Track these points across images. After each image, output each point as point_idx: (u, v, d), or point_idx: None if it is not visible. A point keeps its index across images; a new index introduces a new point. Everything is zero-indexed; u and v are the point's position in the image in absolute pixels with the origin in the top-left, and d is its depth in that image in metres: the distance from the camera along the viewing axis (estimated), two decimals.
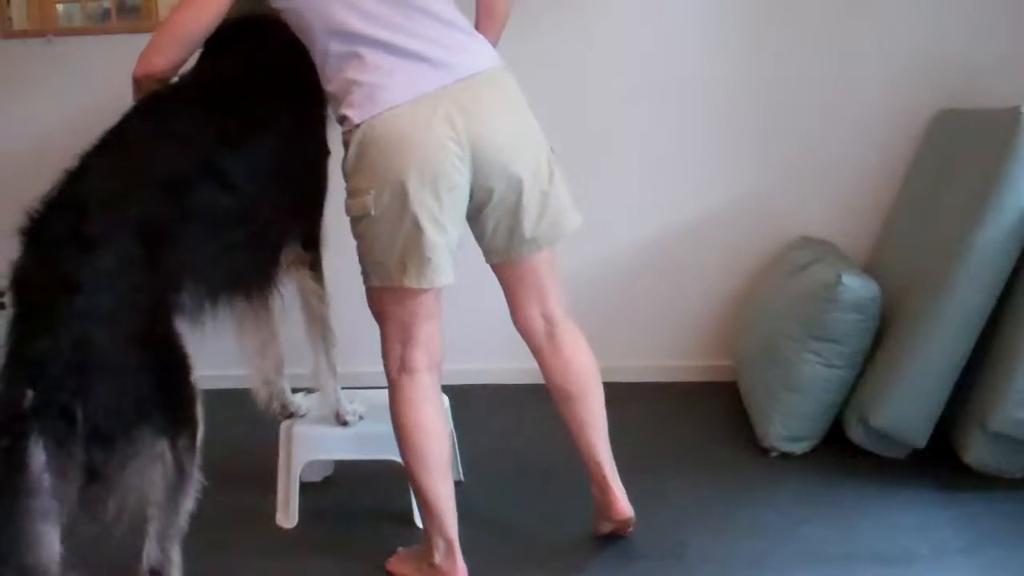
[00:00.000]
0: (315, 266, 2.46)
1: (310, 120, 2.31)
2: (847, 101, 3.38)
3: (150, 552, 1.91)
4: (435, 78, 2.05)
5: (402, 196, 2.02)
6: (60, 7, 3.52)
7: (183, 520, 1.94)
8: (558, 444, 3.08)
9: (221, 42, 2.21)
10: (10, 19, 3.40)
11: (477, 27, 2.22)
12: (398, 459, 2.47)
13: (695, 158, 3.48)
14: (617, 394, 3.55)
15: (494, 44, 2.23)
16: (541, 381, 3.67)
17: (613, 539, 2.42)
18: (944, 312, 2.60)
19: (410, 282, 2.07)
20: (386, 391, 2.26)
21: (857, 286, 2.76)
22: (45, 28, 3.48)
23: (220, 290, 2.12)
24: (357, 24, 2.03)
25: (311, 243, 2.43)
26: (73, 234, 1.83)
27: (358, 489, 2.73)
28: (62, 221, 1.86)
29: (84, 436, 1.77)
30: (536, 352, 2.39)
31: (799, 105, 3.41)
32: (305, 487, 2.56)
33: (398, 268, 2.07)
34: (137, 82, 2.18)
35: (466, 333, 3.63)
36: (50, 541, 1.75)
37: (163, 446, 1.87)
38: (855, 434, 2.81)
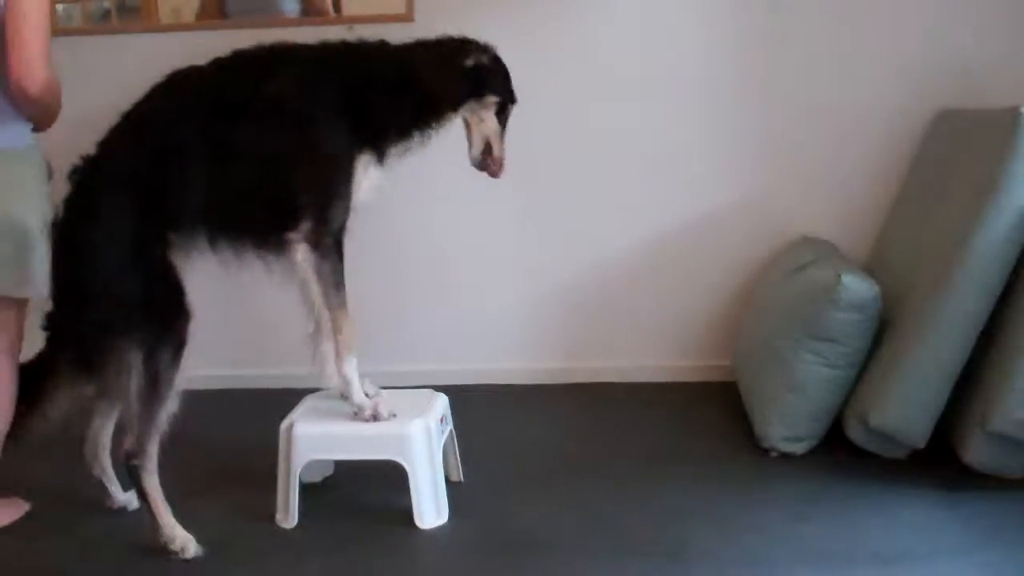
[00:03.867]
0: (316, 245, 2.49)
1: (332, 115, 2.49)
2: (847, 101, 3.38)
3: (129, 442, 2.36)
4: None
5: None
6: (60, 7, 3.52)
7: (160, 421, 2.35)
8: (558, 444, 3.09)
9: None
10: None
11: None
12: (398, 459, 2.47)
13: (695, 158, 3.48)
14: (617, 394, 3.58)
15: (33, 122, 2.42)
16: (541, 381, 3.70)
17: (613, 539, 2.41)
18: (944, 312, 2.60)
19: None
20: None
21: (857, 286, 2.76)
22: None
23: (218, 233, 2.45)
24: None
25: (319, 224, 2.50)
26: (84, 185, 2.42)
27: (358, 489, 2.73)
28: (81, 173, 2.43)
29: (68, 342, 2.40)
30: None
31: (799, 105, 3.41)
32: (305, 487, 2.56)
33: None
34: (37, 100, 2.33)
35: (466, 333, 3.64)
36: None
37: (137, 358, 2.30)
38: (855, 434, 2.81)
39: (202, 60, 2.50)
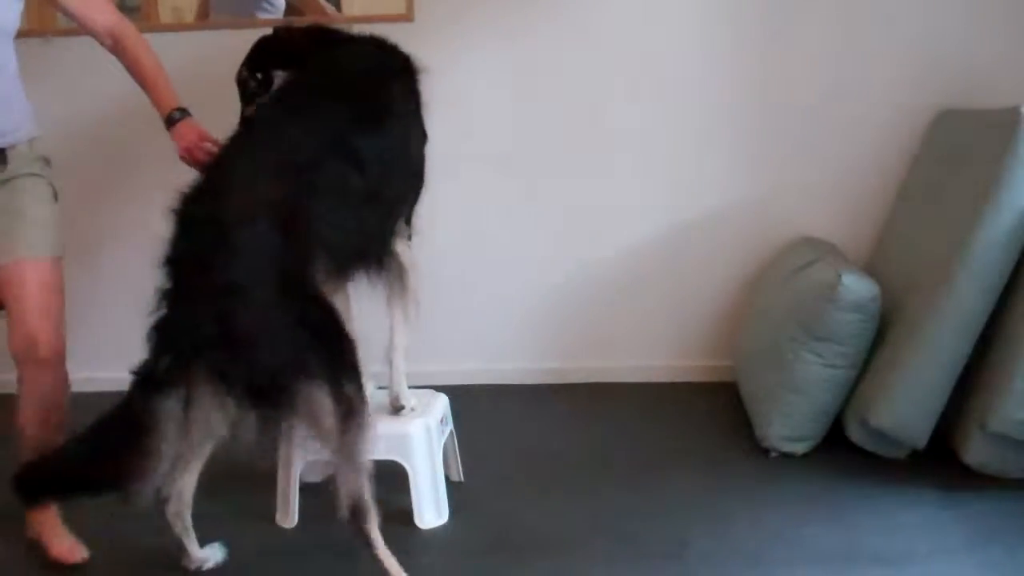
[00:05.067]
0: (410, 239, 2.57)
1: (416, 107, 2.49)
2: (847, 101, 3.38)
3: (343, 496, 2.10)
4: None
5: None
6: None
7: (366, 458, 2.09)
8: (558, 444, 3.09)
9: (302, 50, 2.47)
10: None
11: None
12: (398, 459, 2.47)
13: (695, 158, 3.48)
14: (617, 394, 3.58)
15: None
16: (541, 381, 3.69)
17: (613, 539, 2.41)
18: (944, 312, 2.60)
19: None
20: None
21: (857, 286, 2.76)
22: (44, 28, 3.48)
23: (348, 261, 2.29)
24: None
25: (411, 218, 2.57)
26: (211, 217, 2.03)
27: None
28: (202, 205, 2.08)
29: (240, 394, 2.00)
30: None
31: (799, 105, 3.41)
32: (305, 487, 2.56)
33: None
34: None
35: (466, 333, 3.64)
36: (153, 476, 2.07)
37: (324, 394, 2.01)
38: (855, 434, 2.81)
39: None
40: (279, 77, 2.50)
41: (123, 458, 2.02)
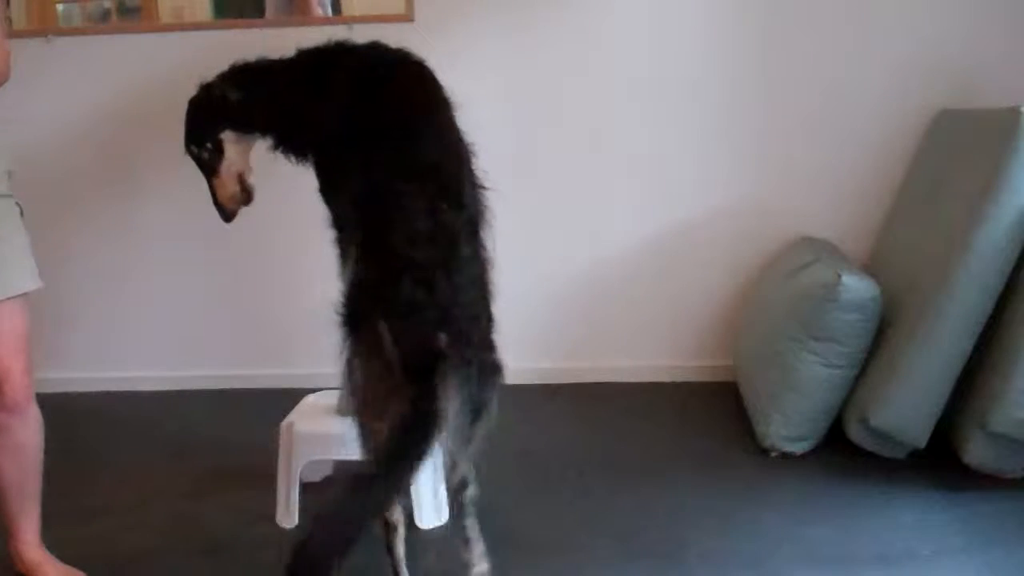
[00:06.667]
0: None
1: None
2: (847, 101, 3.38)
3: (459, 471, 2.21)
4: None
5: None
6: (60, 7, 3.52)
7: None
8: (558, 444, 3.09)
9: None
10: (10, 19, 3.40)
11: None
12: None
13: (695, 158, 3.48)
14: (617, 394, 3.58)
15: None
16: (541, 381, 3.69)
17: (613, 539, 2.41)
18: (944, 312, 2.60)
19: None
20: None
21: (857, 286, 2.76)
22: (45, 28, 3.48)
23: None
24: None
25: None
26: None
27: None
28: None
29: (477, 380, 1.98)
30: None
31: (799, 105, 3.41)
32: (305, 487, 2.56)
33: None
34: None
35: None
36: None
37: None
38: (855, 434, 2.81)
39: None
40: (226, 138, 2.40)
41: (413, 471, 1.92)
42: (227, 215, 2.49)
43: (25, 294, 2.20)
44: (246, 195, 2.49)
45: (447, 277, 1.98)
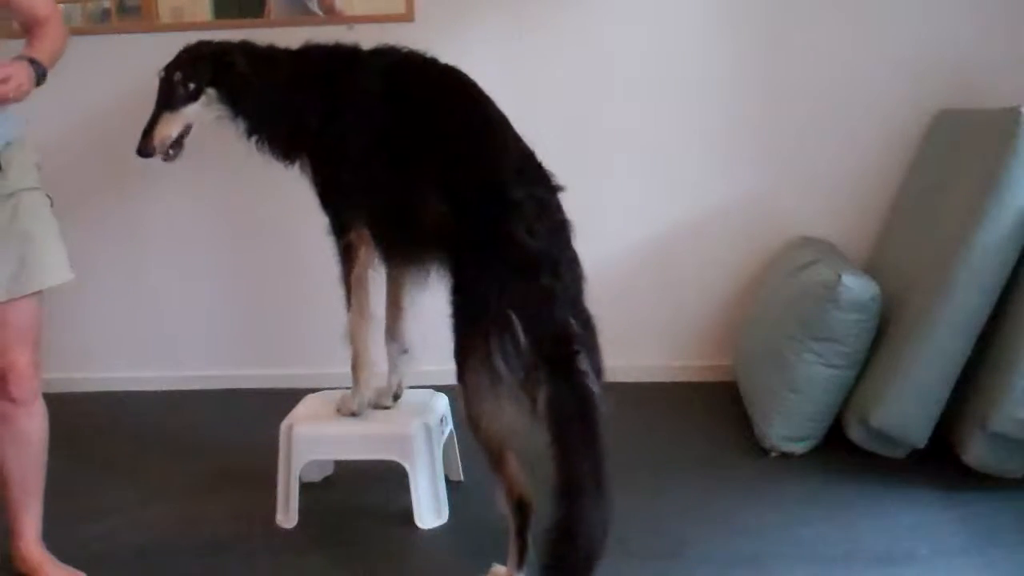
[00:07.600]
0: None
1: None
2: (847, 101, 3.38)
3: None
4: None
5: None
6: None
7: None
8: None
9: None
10: (10, 19, 3.39)
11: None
12: (398, 459, 2.48)
13: (695, 158, 3.48)
14: (617, 394, 3.56)
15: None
16: None
17: (613, 539, 2.41)
18: (944, 312, 2.60)
19: None
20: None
21: (857, 286, 2.76)
22: None
23: None
24: None
25: None
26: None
27: (358, 489, 2.73)
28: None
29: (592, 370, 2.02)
30: None
31: (799, 105, 3.41)
32: (305, 487, 2.56)
33: None
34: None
35: None
36: None
37: None
38: (855, 434, 2.81)
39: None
40: (207, 94, 2.43)
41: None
42: (148, 150, 2.47)
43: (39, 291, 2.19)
44: (175, 149, 2.49)
45: (569, 264, 2.11)
